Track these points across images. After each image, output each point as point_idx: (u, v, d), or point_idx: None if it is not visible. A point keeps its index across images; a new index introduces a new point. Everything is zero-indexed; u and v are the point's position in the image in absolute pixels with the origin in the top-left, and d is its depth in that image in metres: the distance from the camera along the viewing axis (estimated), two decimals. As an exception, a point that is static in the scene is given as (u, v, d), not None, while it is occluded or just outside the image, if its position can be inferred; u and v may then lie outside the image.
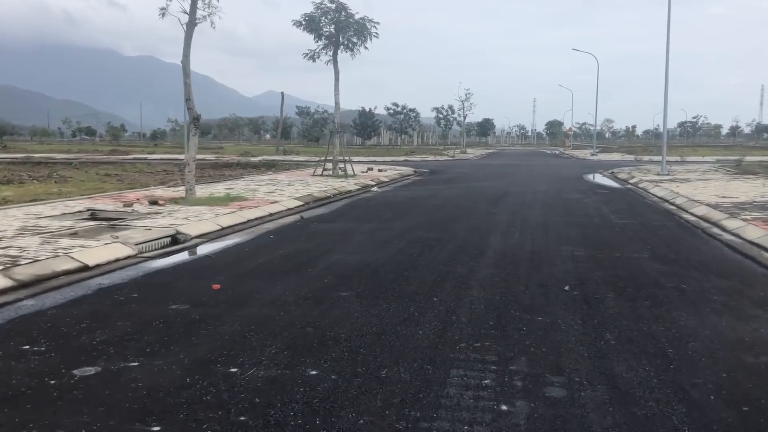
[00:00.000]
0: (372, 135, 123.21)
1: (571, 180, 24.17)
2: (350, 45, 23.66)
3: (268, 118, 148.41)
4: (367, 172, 26.80)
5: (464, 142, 70.07)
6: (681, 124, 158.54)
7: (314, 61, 24.24)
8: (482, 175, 27.98)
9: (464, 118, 70.70)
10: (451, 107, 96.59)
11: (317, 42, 23.82)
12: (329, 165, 24.60)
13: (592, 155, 53.63)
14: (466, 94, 67.48)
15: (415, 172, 29.60)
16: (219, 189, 17.32)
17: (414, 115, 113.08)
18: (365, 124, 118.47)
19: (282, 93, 70.53)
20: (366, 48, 24.09)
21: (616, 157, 50.60)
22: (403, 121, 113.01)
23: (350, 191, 18.80)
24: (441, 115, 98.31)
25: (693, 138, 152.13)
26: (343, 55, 24.21)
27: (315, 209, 14.15)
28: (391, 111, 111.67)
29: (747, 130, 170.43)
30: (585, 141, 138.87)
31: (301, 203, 14.82)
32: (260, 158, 37.32)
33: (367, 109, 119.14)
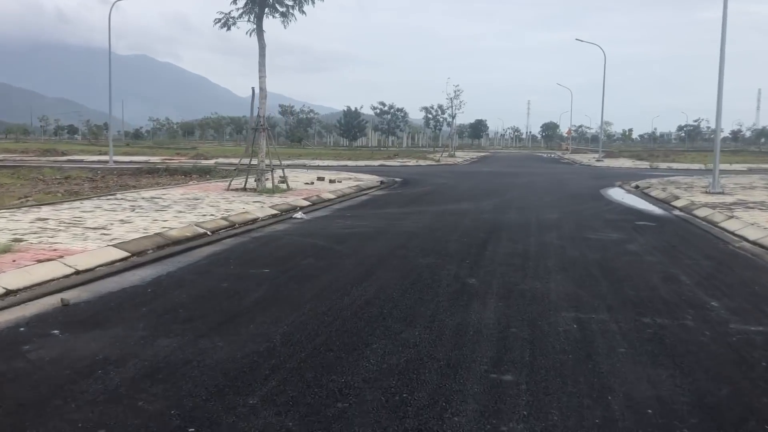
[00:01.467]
0: (358, 136, 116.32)
1: (589, 200, 17.45)
2: (280, 7, 16.86)
3: (253, 118, 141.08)
4: (312, 185, 20.00)
5: (453, 144, 63.19)
6: (681, 128, 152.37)
7: (229, 29, 17.42)
8: (466, 189, 21.23)
9: (453, 117, 63.97)
10: (440, 107, 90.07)
11: (234, 3, 17.02)
12: (266, 173, 17.77)
13: (598, 161, 46.97)
14: (455, 91, 60.74)
15: (381, 183, 22.88)
16: (46, 215, 10.46)
17: (402, 115, 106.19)
18: (350, 125, 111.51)
19: (252, 88, 63.26)
20: (303, 12, 17.30)
21: (625, 163, 43.97)
22: (391, 121, 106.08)
23: (254, 220, 12.02)
24: (430, 115, 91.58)
25: (694, 143, 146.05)
26: (273, 22, 17.45)
27: (126, 272, 7.32)
28: (378, 111, 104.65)
29: (747, 134, 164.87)
30: (581, 144, 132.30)
31: (122, 256, 7.99)
32: (195, 163, 30.42)
33: (353, 109, 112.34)
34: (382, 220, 12.79)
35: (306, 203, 15.18)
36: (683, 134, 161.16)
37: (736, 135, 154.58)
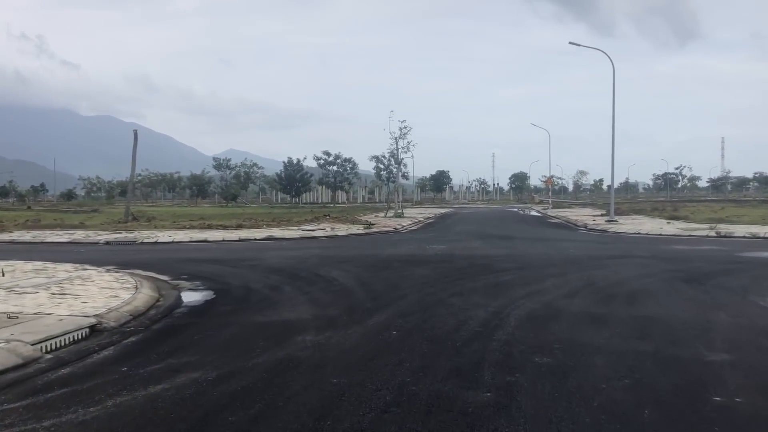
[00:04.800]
0: (302, 191, 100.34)
1: None
2: None
3: (216, 176, 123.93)
4: None
5: (399, 199, 47.23)
6: (662, 176, 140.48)
7: None
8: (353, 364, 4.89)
9: (399, 162, 48.52)
10: (393, 154, 74.99)
11: None
12: None
13: (609, 221, 31.43)
14: (401, 129, 45.29)
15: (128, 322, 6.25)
16: None
17: (351, 166, 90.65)
18: (292, 179, 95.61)
19: (135, 131, 47.29)
20: None
21: (654, 226, 28.56)
22: (338, 173, 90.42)
23: None
24: (381, 165, 76.02)
25: (675, 192, 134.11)
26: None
27: None
28: (322, 161, 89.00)
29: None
30: (545, 196, 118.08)
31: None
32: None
33: (295, 160, 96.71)
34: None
35: None
36: (661, 182, 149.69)
37: (718, 183, 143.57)
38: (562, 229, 29.33)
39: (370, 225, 29.83)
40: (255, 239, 23.74)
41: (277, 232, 26.63)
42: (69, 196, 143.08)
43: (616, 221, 31.44)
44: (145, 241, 23.48)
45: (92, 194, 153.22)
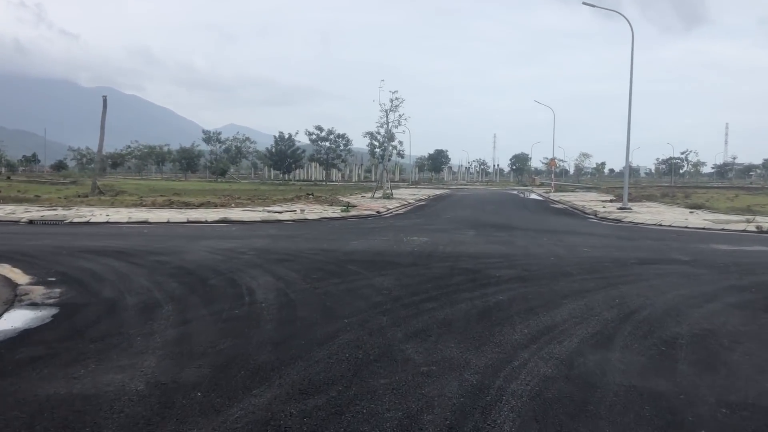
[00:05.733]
0: (293, 168, 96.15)
1: None
2: None
3: (207, 150, 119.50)
4: None
5: (388, 179, 43.13)
6: (666, 161, 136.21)
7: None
8: None
9: (389, 139, 44.45)
10: (389, 131, 70.49)
11: None
12: None
13: (622, 209, 27.64)
14: (392, 101, 41.16)
15: None
16: None
17: (344, 142, 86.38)
18: (283, 155, 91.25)
19: (104, 97, 43.32)
20: None
21: (665, 211, 24.79)
22: (330, 150, 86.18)
23: None
24: (376, 142, 71.91)
25: (678, 178, 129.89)
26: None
27: None
28: (314, 137, 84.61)
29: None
30: (546, 178, 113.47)
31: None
32: None
33: (286, 135, 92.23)
34: None
35: None
36: (664, 167, 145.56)
37: (723, 168, 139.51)
38: (569, 218, 25.51)
39: (348, 207, 25.98)
40: (206, 221, 19.98)
41: (237, 213, 22.82)
42: (59, 167, 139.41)
43: (630, 209, 27.61)
44: (76, 220, 19.73)
45: (85, 166, 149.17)
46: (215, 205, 27.41)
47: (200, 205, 27.15)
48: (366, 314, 6.99)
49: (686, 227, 19.94)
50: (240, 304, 7.56)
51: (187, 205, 27.02)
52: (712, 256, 12.68)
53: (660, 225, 20.91)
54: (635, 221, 22.33)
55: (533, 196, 49.56)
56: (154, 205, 26.83)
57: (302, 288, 8.55)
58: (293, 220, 21.24)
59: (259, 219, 21.03)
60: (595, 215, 26.03)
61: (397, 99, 40.65)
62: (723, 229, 19.12)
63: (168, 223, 19.62)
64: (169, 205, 27.30)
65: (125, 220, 19.81)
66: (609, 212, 26.54)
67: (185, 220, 20.09)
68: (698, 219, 22.36)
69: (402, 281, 9.09)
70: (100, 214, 21.37)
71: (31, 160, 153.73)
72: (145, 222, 19.62)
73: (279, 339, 6.02)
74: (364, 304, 7.49)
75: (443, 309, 7.27)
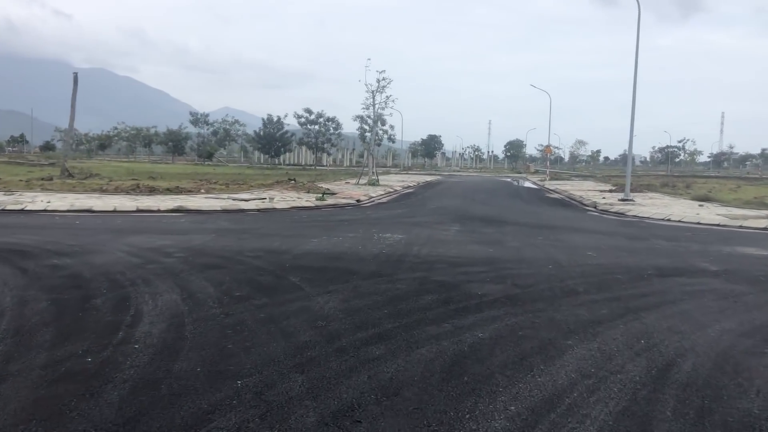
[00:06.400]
0: (282, 151, 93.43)
1: None
2: None
3: (194, 132, 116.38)
4: None
5: (373, 164, 40.60)
6: (661, 150, 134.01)
7: None
8: None
9: (376, 121, 41.99)
10: (380, 115, 67.67)
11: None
12: None
13: (624, 200, 25.41)
14: (379, 81, 38.60)
15: None
16: None
17: (334, 126, 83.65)
18: (272, 138, 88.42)
19: (75, 74, 40.63)
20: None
21: (671, 204, 22.54)
22: (319, 133, 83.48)
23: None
24: (366, 126, 69.23)
25: (673, 167, 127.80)
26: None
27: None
28: (303, 120, 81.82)
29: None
30: (541, 165, 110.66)
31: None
32: None
33: (275, 118, 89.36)
34: None
35: None
36: (660, 156, 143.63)
37: (721, 158, 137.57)
38: (567, 209, 23.25)
39: (324, 196, 23.61)
40: (157, 210, 17.63)
41: (197, 201, 20.46)
42: (47, 148, 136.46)
43: (632, 201, 25.37)
44: (9, 208, 17.34)
45: (74, 147, 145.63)
46: (184, 191, 25.16)
47: (168, 190, 24.91)
48: (275, 369, 4.69)
49: (699, 223, 17.72)
50: (106, 343, 5.24)
51: (153, 191, 24.73)
52: (744, 263, 10.44)
53: (669, 220, 18.68)
54: (640, 215, 20.08)
55: (527, 184, 47.28)
56: (117, 190, 24.53)
57: (209, 315, 6.23)
58: (258, 210, 18.90)
59: (219, 208, 18.69)
60: (595, 207, 23.79)
61: (384, 80, 38.17)
62: (741, 227, 16.93)
63: (113, 212, 17.25)
64: (135, 189, 24.99)
65: (65, 208, 17.43)
66: (610, 204, 24.29)
67: (134, 209, 17.73)
68: (710, 214, 20.13)
69: (351, 304, 6.79)
70: (41, 201, 18.99)
71: (19, 140, 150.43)
72: (88, 210, 17.26)
73: (111, 426, 3.71)
74: (281, 349, 5.18)
75: (394, 359, 4.97)
